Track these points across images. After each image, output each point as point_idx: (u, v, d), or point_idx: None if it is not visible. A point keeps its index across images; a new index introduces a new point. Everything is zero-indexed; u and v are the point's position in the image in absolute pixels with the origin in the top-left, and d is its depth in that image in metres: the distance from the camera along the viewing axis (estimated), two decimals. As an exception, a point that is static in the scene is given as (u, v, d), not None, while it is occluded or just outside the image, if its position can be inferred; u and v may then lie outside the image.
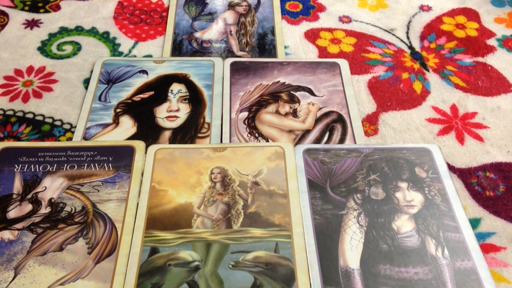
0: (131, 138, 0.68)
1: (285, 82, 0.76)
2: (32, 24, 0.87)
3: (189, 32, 0.85)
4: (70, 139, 0.68)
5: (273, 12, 0.89)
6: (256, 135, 0.69)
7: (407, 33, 0.87)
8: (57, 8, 0.91)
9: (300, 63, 0.79)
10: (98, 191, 0.61)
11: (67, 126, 0.70)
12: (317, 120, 0.71)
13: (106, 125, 0.70)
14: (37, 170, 0.63)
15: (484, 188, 0.64)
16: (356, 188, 0.62)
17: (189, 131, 0.69)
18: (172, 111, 0.72)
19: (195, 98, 0.73)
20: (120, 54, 0.82)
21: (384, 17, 0.90)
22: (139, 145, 0.66)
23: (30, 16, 0.89)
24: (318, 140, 0.68)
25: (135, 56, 0.81)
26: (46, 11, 0.90)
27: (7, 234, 0.57)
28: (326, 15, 0.90)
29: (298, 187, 0.61)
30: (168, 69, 0.78)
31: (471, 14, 0.90)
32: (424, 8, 0.91)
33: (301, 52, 0.82)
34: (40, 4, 0.91)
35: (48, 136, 0.69)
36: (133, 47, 0.83)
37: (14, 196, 0.60)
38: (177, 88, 0.75)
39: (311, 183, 0.62)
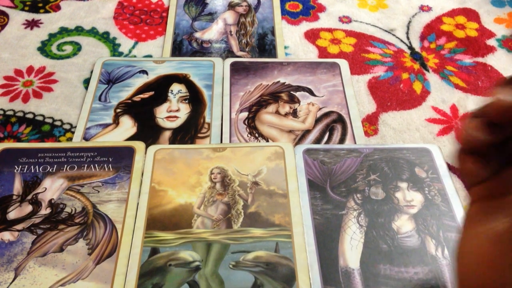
0: (131, 138, 0.68)
1: (285, 82, 0.76)
2: (32, 24, 0.87)
3: (189, 32, 0.85)
4: (70, 139, 0.68)
5: (273, 12, 0.89)
6: (256, 135, 0.69)
7: (407, 33, 0.87)
8: (57, 8, 0.91)
9: (300, 63, 0.79)
10: (98, 192, 0.61)
11: (67, 126, 0.70)
12: (317, 120, 0.71)
13: (106, 125, 0.70)
14: (37, 171, 0.63)
15: (484, 188, 0.64)
16: (356, 188, 0.62)
17: (189, 131, 0.69)
18: (172, 111, 0.72)
19: (195, 98, 0.73)
20: (120, 54, 0.82)
21: (384, 17, 0.90)
22: (139, 145, 0.66)
23: (30, 16, 0.89)
24: (318, 140, 0.68)
25: (135, 56, 0.81)
26: (46, 11, 0.90)
27: (7, 235, 0.57)
28: (326, 15, 0.90)
29: (298, 187, 0.61)
30: (168, 69, 0.78)
31: (471, 14, 0.90)
32: (424, 8, 0.91)
33: (301, 52, 0.82)
34: (40, 4, 0.91)
35: (48, 136, 0.69)
36: (133, 47, 0.83)
37: (14, 197, 0.60)
38: (177, 88, 0.75)
39: (311, 183, 0.62)
